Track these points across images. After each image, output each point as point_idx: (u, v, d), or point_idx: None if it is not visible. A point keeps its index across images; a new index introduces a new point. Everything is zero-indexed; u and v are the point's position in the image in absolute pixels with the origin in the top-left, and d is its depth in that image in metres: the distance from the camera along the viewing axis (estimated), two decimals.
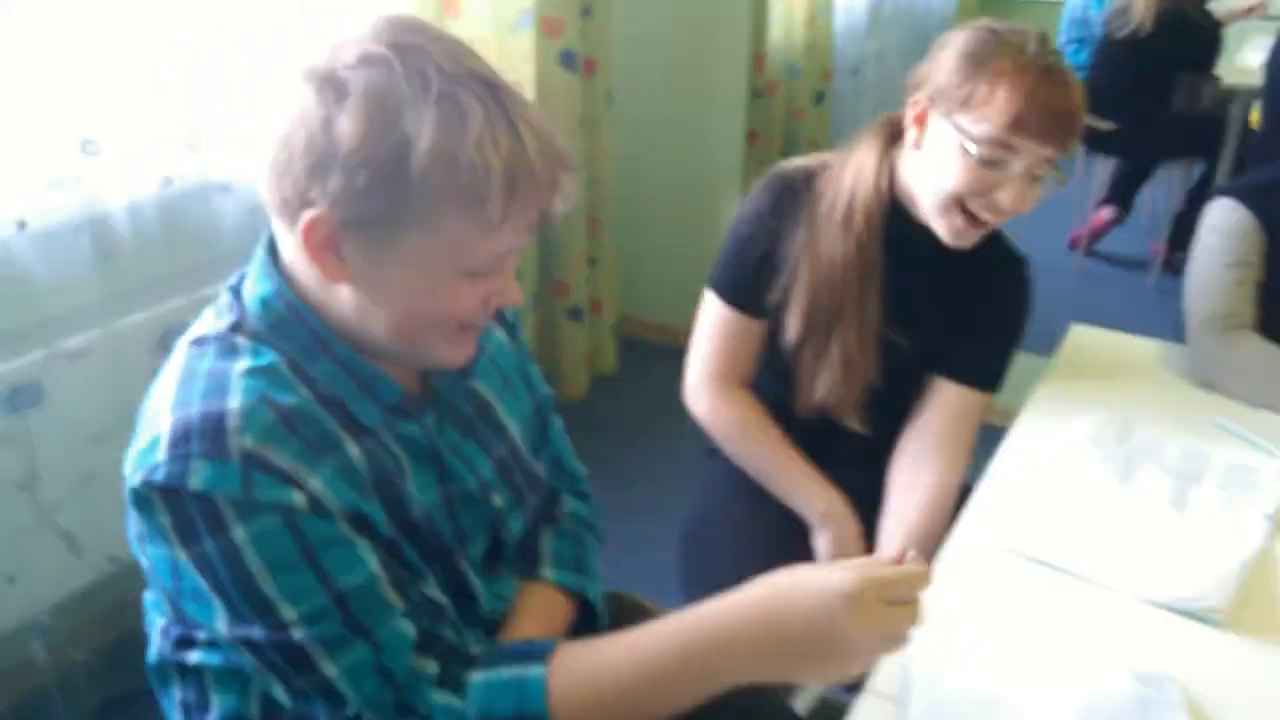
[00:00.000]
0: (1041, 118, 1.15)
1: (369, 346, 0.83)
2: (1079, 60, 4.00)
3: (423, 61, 0.73)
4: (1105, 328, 1.69)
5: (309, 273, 0.80)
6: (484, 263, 0.79)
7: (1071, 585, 1.07)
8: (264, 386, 0.77)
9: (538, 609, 0.99)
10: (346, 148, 0.71)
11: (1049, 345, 1.64)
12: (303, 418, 0.77)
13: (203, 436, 0.73)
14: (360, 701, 0.77)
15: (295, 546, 0.74)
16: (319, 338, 0.81)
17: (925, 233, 1.28)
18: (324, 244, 0.76)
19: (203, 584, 0.75)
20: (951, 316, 1.37)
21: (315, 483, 0.75)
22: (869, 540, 1.36)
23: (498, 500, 0.95)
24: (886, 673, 0.93)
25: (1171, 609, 1.04)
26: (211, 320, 0.83)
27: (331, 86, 0.72)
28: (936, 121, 1.22)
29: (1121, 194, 4.10)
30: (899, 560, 0.80)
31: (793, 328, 1.34)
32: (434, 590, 0.85)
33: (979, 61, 1.17)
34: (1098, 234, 4.12)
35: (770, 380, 1.42)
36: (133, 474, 0.75)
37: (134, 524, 0.78)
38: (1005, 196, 1.20)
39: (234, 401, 0.75)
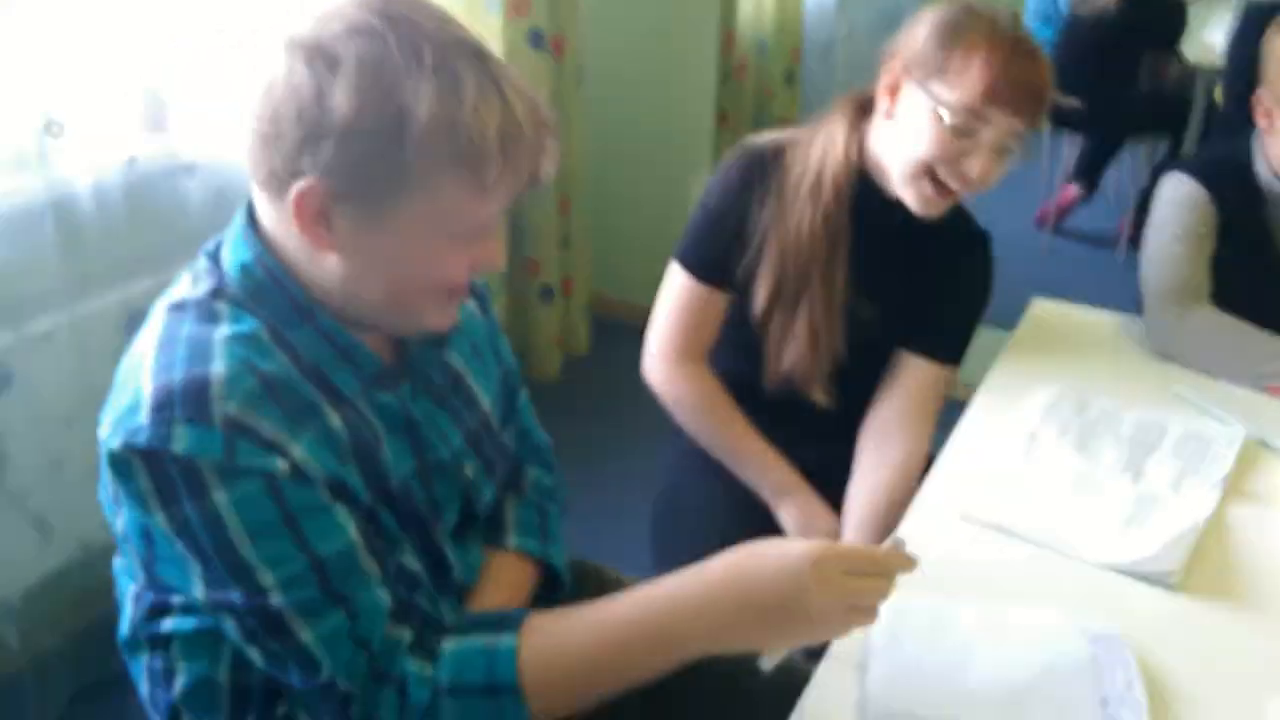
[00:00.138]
0: (1013, 90, 1.18)
1: (350, 316, 0.83)
2: (1045, 37, 4.02)
3: (413, 31, 0.74)
4: (1071, 303, 1.72)
5: (293, 242, 0.80)
6: (475, 228, 0.80)
7: (1029, 552, 1.10)
8: (247, 353, 0.77)
9: (503, 576, 1.00)
10: (342, 119, 0.72)
11: (1015, 320, 1.66)
12: (284, 385, 0.78)
13: (186, 402, 0.73)
14: (334, 667, 0.78)
15: (276, 513, 0.75)
16: (299, 306, 0.81)
17: (893, 205, 1.30)
18: (316, 215, 0.76)
19: (180, 548, 0.75)
20: (915, 289, 1.39)
21: (298, 450, 0.76)
22: (834, 513, 1.38)
23: (469, 470, 0.96)
24: (848, 638, 0.95)
25: (1127, 573, 1.07)
26: (189, 285, 0.83)
27: (321, 57, 0.72)
28: (910, 90, 1.24)
29: (1088, 171, 4.14)
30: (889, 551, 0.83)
31: (760, 298, 1.35)
32: (410, 559, 0.86)
33: (956, 32, 1.20)
34: (1064, 211, 4.16)
35: (736, 356, 1.43)
36: (111, 437, 0.75)
37: (109, 487, 0.78)
38: (973, 165, 1.22)
39: (218, 367, 0.75)
